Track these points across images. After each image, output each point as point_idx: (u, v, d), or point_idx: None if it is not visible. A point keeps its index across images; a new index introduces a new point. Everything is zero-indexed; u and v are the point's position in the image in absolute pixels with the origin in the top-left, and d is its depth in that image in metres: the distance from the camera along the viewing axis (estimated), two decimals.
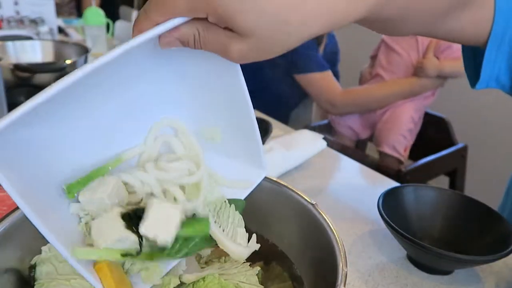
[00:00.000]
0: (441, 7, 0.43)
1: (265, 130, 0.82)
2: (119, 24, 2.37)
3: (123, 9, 2.97)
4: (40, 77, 0.99)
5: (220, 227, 0.34)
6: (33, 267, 0.35)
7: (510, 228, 0.50)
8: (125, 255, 0.30)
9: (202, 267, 0.38)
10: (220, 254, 0.40)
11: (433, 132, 1.52)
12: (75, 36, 1.97)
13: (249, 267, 0.38)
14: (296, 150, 0.75)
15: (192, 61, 0.33)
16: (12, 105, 0.85)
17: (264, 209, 0.46)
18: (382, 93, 1.34)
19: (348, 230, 0.59)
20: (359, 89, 1.40)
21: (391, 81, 1.37)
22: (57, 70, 0.98)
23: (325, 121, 1.60)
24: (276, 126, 0.95)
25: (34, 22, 1.77)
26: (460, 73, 1.28)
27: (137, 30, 0.31)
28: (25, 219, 0.37)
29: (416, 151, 1.52)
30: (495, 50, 0.51)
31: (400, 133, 1.38)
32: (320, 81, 1.34)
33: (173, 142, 0.36)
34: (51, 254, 0.35)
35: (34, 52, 1.23)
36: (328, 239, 0.36)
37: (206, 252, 0.39)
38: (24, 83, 0.97)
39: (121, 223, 0.30)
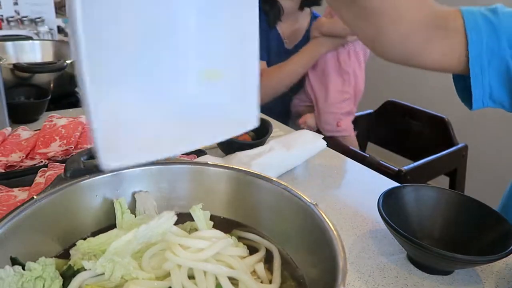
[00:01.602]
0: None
1: (265, 130, 0.82)
2: None
3: None
4: (40, 77, 0.99)
5: None
6: None
7: (510, 228, 0.50)
8: None
9: None
10: None
11: (433, 132, 1.52)
12: None
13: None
14: (296, 150, 0.75)
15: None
16: (11, 105, 0.85)
17: (264, 209, 0.46)
18: (289, 65, 1.33)
19: (348, 230, 0.59)
20: (269, 69, 1.37)
21: (293, 55, 1.37)
22: (57, 70, 0.98)
23: None
24: (276, 126, 0.95)
25: (34, 22, 1.76)
26: (336, 31, 1.26)
27: None
28: (24, 220, 0.37)
29: (416, 151, 1.52)
30: (479, 68, 0.58)
31: (326, 112, 1.36)
32: None
33: None
34: None
35: (34, 52, 1.23)
36: (328, 239, 0.36)
37: None
38: (24, 83, 0.97)
39: None
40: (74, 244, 0.39)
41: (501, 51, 0.57)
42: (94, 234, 0.43)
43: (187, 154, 0.75)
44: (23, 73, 0.95)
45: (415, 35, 0.59)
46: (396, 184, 0.72)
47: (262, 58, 1.34)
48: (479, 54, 0.57)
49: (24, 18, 1.76)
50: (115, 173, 0.45)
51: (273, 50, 1.39)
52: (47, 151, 0.71)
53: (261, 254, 0.42)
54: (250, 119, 0.37)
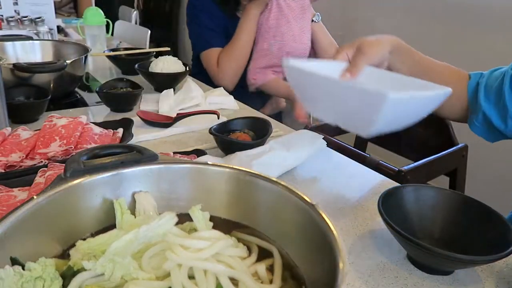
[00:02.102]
0: None
1: (265, 130, 0.82)
2: (119, 24, 2.37)
3: (122, 9, 2.97)
4: (40, 77, 0.99)
5: None
6: None
7: (510, 228, 0.50)
8: None
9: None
10: None
11: (433, 132, 1.52)
12: (74, 36, 1.98)
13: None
14: (296, 150, 0.75)
15: None
16: (11, 105, 0.85)
17: (264, 209, 0.46)
18: (236, 39, 1.39)
19: (348, 230, 0.59)
20: (223, 50, 1.43)
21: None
22: (57, 70, 0.98)
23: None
24: (276, 126, 0.95)
25: (34, 22, 1.76)
26: None
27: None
28: (24, 220, 0.37)
29: (416, 151, 1.52)
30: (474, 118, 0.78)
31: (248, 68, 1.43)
32: (205, 59, 1.40)
33: None
34: None
35: (34, 52, 1.23)
36: (328, 239, 0.36)
37: None
38: (24, 83, 0.97)
39: None
40: (74, 245, 0.39)
41: (479, 104, 0.75)
42: (94, 234, 0.43)
43: (187, 154, 0.75)
44: (23, 73, 0.95)
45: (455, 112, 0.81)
46: (396, 184, 0.72)
47: (219, 45, 1.41)
48: (473, 107, 0.78)
49: (24, 18, 1.76)
50: (115, 173, 0.45)
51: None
52: (47, 151, 0.71)
53: (255, 255, 0.42)
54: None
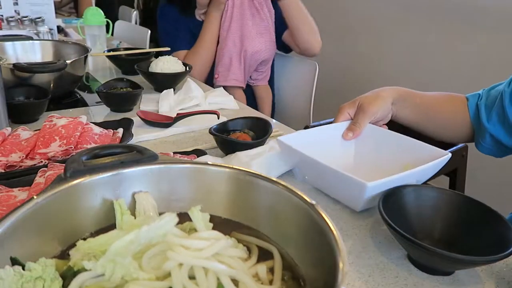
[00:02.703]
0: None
1: (265, 130, 0.82)
2: (119, 24, 2.37)
3: (122, 9, 2.97)
4: (40, 77, 0.99)
5: None
6: None
7: (510, 228, 0.50)
8: None
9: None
10: None
11: None
12: (75, 36, 1.98)
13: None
14: None
15: None
16: (11, 105, 0.85)
17: (264, 209, 0.46)
18: (201, 40, 1.48)
19: (348, 230, 0.59)
20: (190, 52, 1.50)
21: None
22: (57, 70, 0.98)
23: (325, 121, 1.59)
24: (276, 126, 0.95)
25: (34, 22, 1.76)
26: None
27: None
28: (24, 220, 0.37)
29: None
30: (478, 138, 0.81)
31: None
32: None
33: None
34: None
35: (34, 52, 1.23)
36: (328, 239, 0.36)
37: None
38: (24, 83, 0.97)
39: None
40: (74, 245, 0.39)
41: (484, 126, 0.77)
42: (94, 234, 0.43)
43: (187, 154, 0.75)
44: (23, 73, 0.95)
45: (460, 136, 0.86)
46: None
47: (183, 48, 1.49)
48: (477, 128, 0.80)
49: (24, 18, 1.76)
50: (115, 173, 0.45)
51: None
52: (47, 151, 0.71)
53: (255, 256, 0.42)
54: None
